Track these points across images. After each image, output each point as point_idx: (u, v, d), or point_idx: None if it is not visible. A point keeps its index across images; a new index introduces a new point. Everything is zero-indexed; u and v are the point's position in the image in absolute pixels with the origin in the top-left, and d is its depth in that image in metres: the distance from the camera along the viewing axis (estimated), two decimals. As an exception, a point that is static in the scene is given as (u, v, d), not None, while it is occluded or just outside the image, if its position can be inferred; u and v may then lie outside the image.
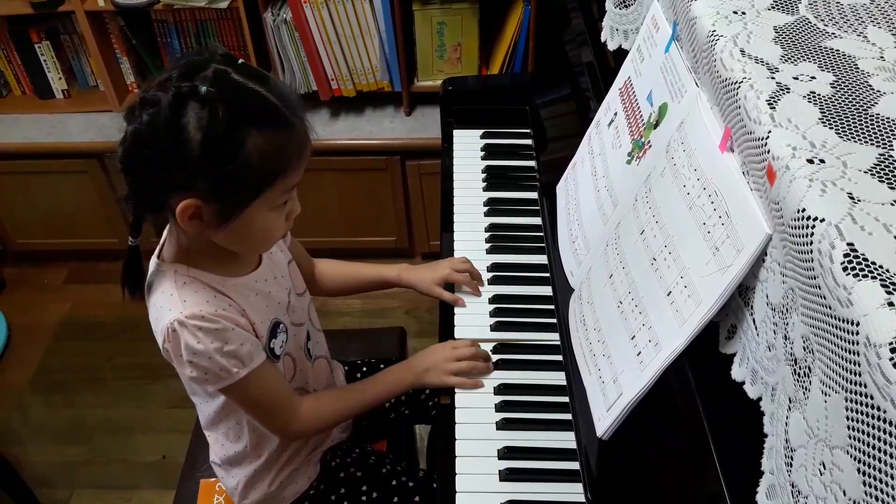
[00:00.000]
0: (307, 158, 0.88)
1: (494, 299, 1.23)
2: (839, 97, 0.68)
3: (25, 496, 1.78)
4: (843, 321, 0.51)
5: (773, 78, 0.71)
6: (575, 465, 0.98)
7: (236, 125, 0.80)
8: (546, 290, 1.22)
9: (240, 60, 0.85)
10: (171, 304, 0.90)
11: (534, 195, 1.40)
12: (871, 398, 0.48)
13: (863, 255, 0.52)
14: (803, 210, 0.57)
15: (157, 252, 0.96)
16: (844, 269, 0.52)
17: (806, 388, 0.57)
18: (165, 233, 0.96)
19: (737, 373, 0.71)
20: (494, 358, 1.13)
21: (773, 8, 0.81)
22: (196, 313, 0.89)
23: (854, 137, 0.63)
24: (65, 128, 2.15)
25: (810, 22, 0.79)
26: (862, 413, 0.49)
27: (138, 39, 2.14)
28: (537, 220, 1.35)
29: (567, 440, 1.02)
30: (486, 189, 1.44)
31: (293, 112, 0.85)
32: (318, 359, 1.17)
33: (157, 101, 0.79)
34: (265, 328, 0.99)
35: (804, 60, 0.73)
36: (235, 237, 0.89)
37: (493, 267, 1.28)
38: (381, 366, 1.34)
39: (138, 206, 0.87)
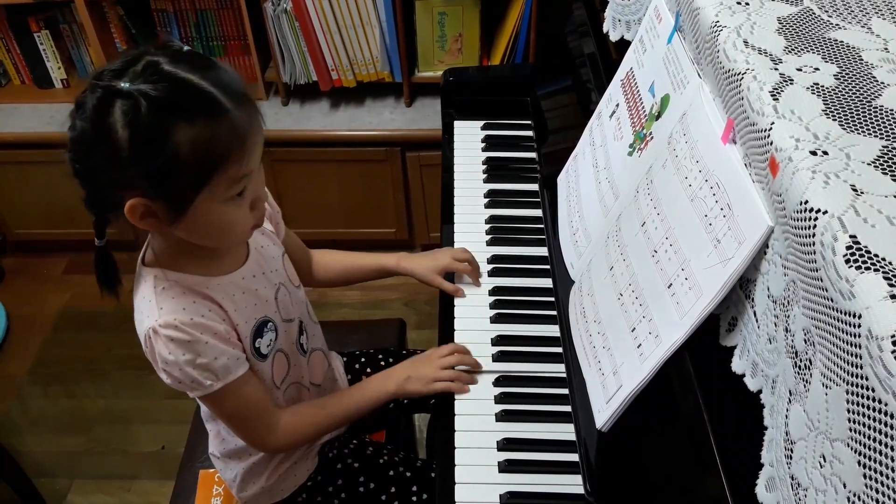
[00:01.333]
0: (255, 147, 0.85)
1: (494, 291, 1.22)
2: (843, 89, 0.67)
3: (25, 486, 1.78)
4: (845, 314, 0.51)
5: (776, 69, 0.70)
6: (574, 457, 0.98)
7: (162, 118, 0.77)
8: (546, 282, 1.22)
9: (185, 48, 0.83)
10: (149, 311, 0.89)
11: (534, 187, 1.40)
12: (873, 391, 0.48)
13: (865, 247, 0.52)
14: (806, 202, 0.57)
15: (140, 256, 0.95)
16: (847, 261, 0.51)
17: (807, 381, 0.56)
18: (149, 235, 0.95)
19: (737, 365, 0.71)
20: (494, 350, 1.13)
21: (777, -1, 0.80)
22: (170, 322, 0.88)
23: (857, 129, 0.63)
24: (64, 117, 2.12)
25: (814, 13, 0.78)
26: (863, 406, 0.49)
27: (138, 29, 2.13)
28: (538, 212, 1.35)
29: (566, 432, 1.02)
30: (486, 181, 1.43)
31: (231, 98, 0.81)
32: (314, 352, 1.16)
33: (85, 104, 0.79)
34: (249, 328, 0.97)
35: (808, 52, 0.72)
36: (196, 232, 0.87)
37: (494, 259, 1.28)
38: (380, 357, 1.34)
39: (95, 209, 0.87)
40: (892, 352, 0.46)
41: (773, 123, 0.64)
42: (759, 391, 0.67)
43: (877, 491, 0.47)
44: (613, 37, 1.19)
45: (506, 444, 1.02)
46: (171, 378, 0.91)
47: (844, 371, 0.51)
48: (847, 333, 0.50)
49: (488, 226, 1.34)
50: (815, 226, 0.55)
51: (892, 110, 0.65)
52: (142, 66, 0.79)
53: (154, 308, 0.89)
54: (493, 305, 1.20)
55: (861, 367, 0.49)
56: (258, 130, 0.85)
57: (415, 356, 1.15)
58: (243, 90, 0.84)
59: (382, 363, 1.33)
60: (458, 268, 1.23)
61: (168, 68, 0.79)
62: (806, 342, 0.57)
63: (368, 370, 1.31)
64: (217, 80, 0.81)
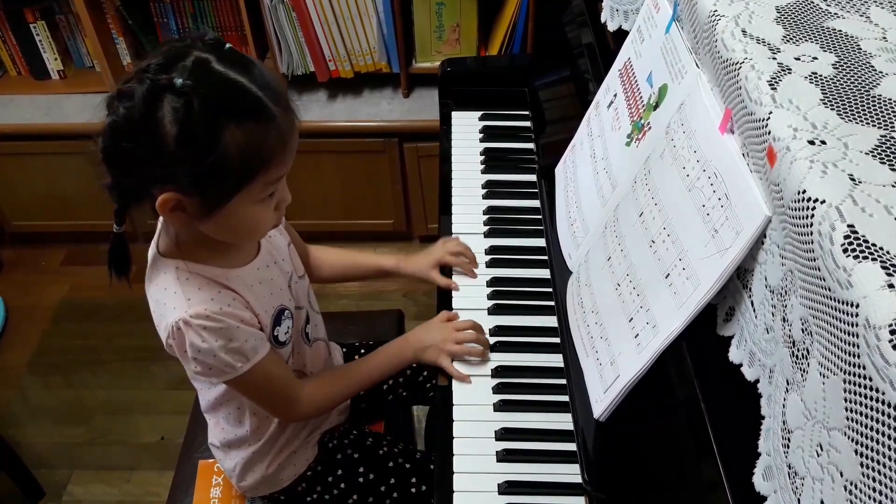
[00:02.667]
0: (293, 150, 0.86)
1: (492, 282, 1.23)
2: (841, 78, 0.67)
3: (25, 477, 1.78)
4: (843, 303, 0.51)
5: (774, 58, 0.70)
6: (572, 446, 0.98)
7: (213, 119, 0.77)
8: (544, 273, 1.22)
9: (227, 45, 0.82)
10: (176, 303, 0.89)
11: (532, 178, 1.40)
12: (870, 380, 0.48)
13: (863, 236, 0.52)
14: (804, 191, 0.57)
15: (154, 242, 0.95)
16: (844, 250, 0.51)
17: (804, 370, 0.57)
18: (160, 224, 0.95)
19: (734, 355, 0.71)
20: (492, 340, 1.13)
21: (776, -12, 0.80)
22: (201, 312, 0.88)
23: (856, 119, 0.63)
24: (61, 109, 2.13)
25: (813, 2, 0.78)
26: (860, 395, 0.49)
27: (134, 20, 2.12)
28: (536, 203, 1.35)
29: (564, 421, 1.02)
30: (484, 171, 1.43)
31: (277, 102, 0.82)
32: (317, 341, 1.16)
33: (133, 94, 0.77)
34: (269, 317, 0.98)
35: (806, 41, 0.72)
36: (222, 229, 0.88)
37: (492, 250, 1.28)
38: (379, 348, 1.35)
39: (121, 197, 0.86)
40: (890, 341, 0.46)
41: (771, 113, 0.64)
42: (757, 380, 0.67)
43: (874, 480, 0.48)
44: (611, 27, 1.19)
45: (504, 434, 1.02)
46: (202, 366, 0.91)
47: (842, 360, 0.51)
48: (845, 323, 0.50)
49: (486, 217, 1.34)
50: (812, 215, 0.55)
51: (890, 100, 0.64)
52: (191, 62, 0.78)
53: (181, 299, 0.89)
54: (490, 296, 1.21)
55: (858, 357, 0.49)
56: (296, 134, 0.86)
57: (431, 321, 1.15)
58: (285, 93, 0.85)
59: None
60: (452, 262, 1.23)
61: (219, 68, 0.79)
62: (803, 332, 0.57)
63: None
64: (264, 83, 0.81)
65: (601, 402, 0.89)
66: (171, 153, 0.78)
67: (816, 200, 0.55)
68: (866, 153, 0.59)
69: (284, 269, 1.04)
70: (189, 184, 0.80)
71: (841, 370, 0.51)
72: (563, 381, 1.04)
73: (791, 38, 0.73)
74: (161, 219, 0.94)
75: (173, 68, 0.77)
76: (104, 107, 0.81)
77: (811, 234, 0.55)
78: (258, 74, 0.81)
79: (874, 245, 0.51)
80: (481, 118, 1.54)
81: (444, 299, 1.21)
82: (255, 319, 0.95)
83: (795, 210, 0.58)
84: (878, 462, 0.47)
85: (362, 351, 1.34)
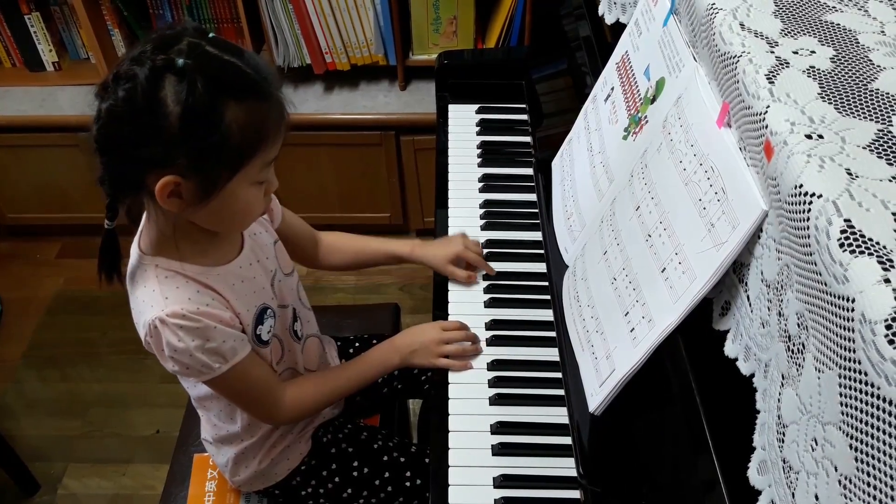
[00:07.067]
0: (285, 131, 0.87)
1: (488, 275, 1.22)
2: (839, 72, 0.67)
3: (20, 470, 1.78)
4: (839, 298, 0.50)
5: (772, 52, 0.70)
6: (567, 440, 0.98)
7: (216, 97, 0.78)
8: (540, 267, 1.22)
9: (210, 34, 0.83)
10: (153, 301, 0.89)
11: (529, 171, 1.39)
12: (865, 375, 0.48)
13: (860, 231, 0.51)
14: (800, 186, 0.57)
15: (136, 241, 0.94)
16: (841, 245, 0.51)
17: (799, 365, 0.56)
18: (143, 222, 0.94)
19: (730, 349, 0.71)
20: (488, 334, 1.13)
21: (774, -19, 0.80)
22: (177, 311, 0.88)
23: (853, 113, 0.62)
24: (56, 101, 2.12)
25: (811, -5, 0.77)
26: (855, 390, 0.49)
27: (130, 11, 2.11)
28: (532, 197, 1.35)
29: (559, 415, 1.02)
30: (481, 165, 1.43)
31: (272, 84, 0.84)
32: (309, 338, 1.16)
33: (134, 76, 0.77)
34: (251, 316, 0.97)
35: (804, 34, 0.72)
36: (215, 215, 0.87)
37: (488, 243, 1.27)
38: (374, 341, 1.34)
39: (115, 188, 0.85)
40: (886, 336, 0.46)
41: (768, 107, 0.64)
42: (752, 375, 0.67)
43: (868, 474, 0.47)
44: (609, 20, 1.18)
45: (499, 428, 1.02)
46: (179, 365, 0.91)
47: (837, 355, 0.51)
48: (840, 317, 0.50)
49: (483, 210, 1.34)
50: (809, 210, 0.55)
51: (888, 94, 0.64)
52: (185, 45, 0.79)
53: (159, 298, 0.89)
54: (487, 290, 1.20)
55: (854, 351, 0.49)
56: (288, 115, 0.87)
57: (418, 325, 1.14)
58: (277, 76, 0.86)
59: (377, 348, 1.32)
60: (469, 256, 1.22)
61: (213, 51, 0.80)
62: (799, 326, 0.57)
63: (363, 355, 1.31)
64: (255, 65, 0.83)
65: (596, 396, 0.89)
66: (174, 133, 0.78)
67: (813, 195, 0.55)
68: (864, 147, 0.59)
69: (268, 268, 1.03)
70: (190, 165, 0.80)
71: (836, 365, 0.51)
72: (559, 375, 1.04)
73: (789, 32, 0.72)
74: (144, 216, 0.93)
75: (170, 51, 0.78)
76: (96, 95, 0.81)
77: (808, 228, 0.55)
78: (249, 57, 0.83)
79: (871, 240, 0.51)
80: (478, 111, 1.54)
81: (440, 293, 1.21)
82: (235, 319, 0.95)
83: (792, 204, 0.58)
84: (873, 457, 0.47)
85: (357, 345, 1.34)
